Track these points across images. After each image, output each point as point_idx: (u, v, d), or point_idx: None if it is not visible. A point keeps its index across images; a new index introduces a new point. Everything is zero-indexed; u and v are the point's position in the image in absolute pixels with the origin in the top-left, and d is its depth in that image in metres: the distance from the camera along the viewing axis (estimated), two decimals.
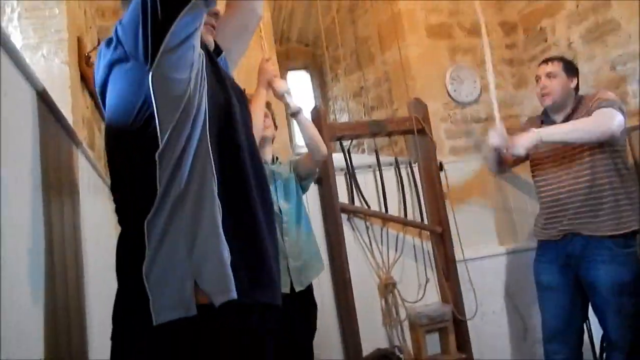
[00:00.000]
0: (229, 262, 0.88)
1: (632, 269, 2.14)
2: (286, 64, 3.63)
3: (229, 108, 1.00)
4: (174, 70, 0.90)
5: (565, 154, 2.26)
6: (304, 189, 2.17)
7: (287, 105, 1.97)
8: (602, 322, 2.25)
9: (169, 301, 0.85)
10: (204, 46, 1.02)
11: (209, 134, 0.93)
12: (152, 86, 0.89)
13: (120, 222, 0.95)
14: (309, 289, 2.09)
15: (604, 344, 2.33)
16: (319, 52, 3.42)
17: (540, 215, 2.35)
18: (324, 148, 2.03)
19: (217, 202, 0.90)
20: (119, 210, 0.95)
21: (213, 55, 1.10)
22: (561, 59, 2.37)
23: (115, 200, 0.96)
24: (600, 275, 2.15)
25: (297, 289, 2.00)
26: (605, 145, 2.16)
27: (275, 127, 2.16)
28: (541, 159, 2.36)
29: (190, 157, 0.90)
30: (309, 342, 2.09)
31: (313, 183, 2.51)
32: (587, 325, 2.47)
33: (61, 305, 0.94)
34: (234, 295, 0.87)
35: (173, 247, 0.87)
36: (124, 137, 0.93)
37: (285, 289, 1.94)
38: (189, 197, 0.89)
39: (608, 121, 2.09)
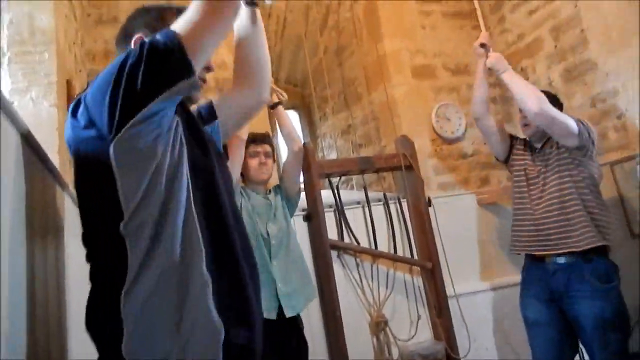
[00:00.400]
0: (221, 338, 0.84)
1: (615, 304, 2.12)
2: None
3: (212, 175, 0.97)
4: (139, 140, 0.85)
5: (537, 183, 2.30)
6: (292, 210, 2.20)
7: (273, 93, 2.04)
8: (590, 357, 2.22)
9: None
10: (184, 113, 0.98)
11: (194, 202, 0.89)
12: (115, 156, 0.84)
13: (93, 291, 0.89)
14: (300, 327, 2.06)
15: None
16: (307, 92, 3.49)
17: (520, 229, 2.36)
18: (300, 139, 2.24)
19: (206, 276, 0.86)
20: (93, 278, 0.89)
21: (197, 120, 1.05)
22: (545, 93, 2.45)
23: (90, 268, 0.91)
24: (582, 311, 2.14)
25: (289, 314, 1.97)
26: (573, 167, 2.21)
27: (274, 160, 2.21)
28: (519, 183, 2.40)
29: (172, 228, 0.85)
30: None
31: (302, 220, 2.53)
32: (580, 357, 2.44)
33: (42, 351, 0.92)
34: None
35: (153, 323, 0.82)
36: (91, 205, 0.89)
37: (272, 315, 1.92)
38: (175, 269, 0.84)
39: (552, 109, 2.16)
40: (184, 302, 0.83)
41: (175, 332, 0.82)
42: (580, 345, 2.32)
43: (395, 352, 2.48)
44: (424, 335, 2.56)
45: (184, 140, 0.92)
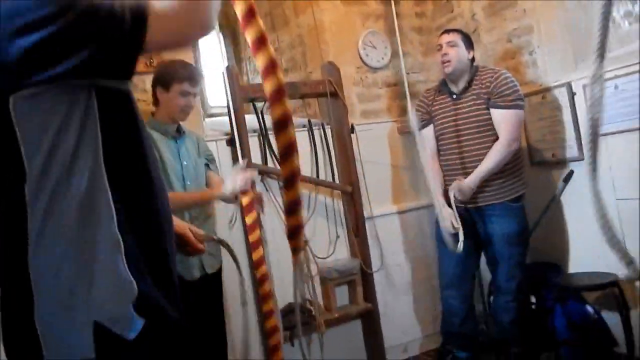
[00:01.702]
0: (132, 299, 0.82)
1: (521, 221, 2.43)
2: None
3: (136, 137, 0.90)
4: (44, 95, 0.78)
5: (459, 133, 2.47)
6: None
7: None
8: (493, 269, 2.53)
9: (63, 350, 0.79)
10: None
11: (107, 162, 0.83)
12: (15, 110, 0.77)
13: None
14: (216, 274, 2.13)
15: (492, 289, 2.62)
16: (231, 11, 3.34)
17: (447, 184, 2.56)
18: None
19: (118, 238, 0.83)
20: None
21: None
22: (460, 31, 2.57)
23: None
24: (494, 229, 2.42)
25: (210, 271, 2.06)
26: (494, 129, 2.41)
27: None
28: (440, 141, 2.56)
29: (77, 189, 0.80)
30: (219, 299, 2.14)
31: (225, 144, 2.53)
32: (478, 273, 2.75)
33: None
34: (139, 326, 0.82)
35: (66, 289, 0.79)
36: None
37: (196, 275, 2.00)
38: (81, 231, 0.80)
39: (514, 131, 2.36)
40: (94, 263, 0.81)
41: (86, 294, 0.80)
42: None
43: (314, 269, 2.63)
44: (341, 254, 2.74)
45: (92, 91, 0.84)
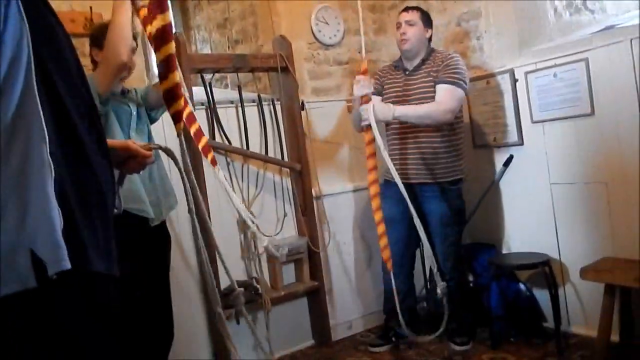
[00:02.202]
0: (60, 228, 0.80)
1: (457, 203, 2.52)
2: None
3: (58, 44, 0.87)
4: None
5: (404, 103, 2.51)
6: (153, 120, 2.10)
7: None
8: (432, 248, 2.61)
9: (1, 277, 0.76)
10: None
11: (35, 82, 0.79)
12: None
13: None
14: (163, 222, 2.07)
15: (431, 269, 2.71)
16: None
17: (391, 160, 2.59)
18: None
19: (49, 162, 0.79)
20: None
21: None
22: (419, 9, 2.58)
23: None
24: (431, 209, 2.49)
25: (154, 223, 1.97)
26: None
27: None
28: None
29: (6, 115, 0.75)
30: (165, 276, 2.08)
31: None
32: (420, 252, 2.83)
33: None
34: (66, 265, 0.80)
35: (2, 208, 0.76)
36: None
37: (157, 220, 1.95)
38: (13, 160, 0.76)
39: (450, 103, 2.38)
40: (26, 185, 0.78)
41: (21, 218, 0.77)
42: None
43: (261, 247, 2.61)
44: (288, 232, 2.73)
45: (24, 28, 0.78)
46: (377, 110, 2.31)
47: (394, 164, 2.49)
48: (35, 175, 0.79)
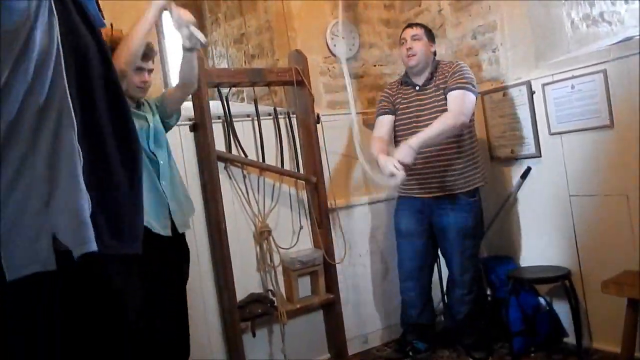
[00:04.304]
0: (89, 213, 0.83)
1: (475, 215, 2.49)
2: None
3: (86, 51, 0.90)
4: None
5: (419, 125, 2.50)
6: (168, 128, 2.14)
7: (189, 38, 1.83)
8: (448, 263, 2.58)
9: (22, 259, 0.79)
10: None
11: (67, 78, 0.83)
12: None
13: None
14: (182, 235, 2.09)
15: (449, 281, 2.69)
16: None
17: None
18: (196, 80, 2.10)
19: (77, 149, 0.83)
20: None
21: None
22: (423, 26, 2.61)
23: None
24: (449, 222, 2.46)
25: (182, 230, 2.05)
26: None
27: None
28: (401, 130, 2.58)
29: (38, 101, 0.79)
30: (183, 287, 2.10)
31: (189, 130, 2.45)
32: (437, 266, 2.81)
33: None
34: (93, 246, 0.83)
35: (24, 199, 0.79)
36: None
37: (167, 232, 1.96)
38: (42, 145, 0.80)
39: (462, 105, 2.36)
40: (54, 170, 0.81)
41: (45, 202, 0.80)
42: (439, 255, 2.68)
43: (277, 259, 2.62)
44: (304, 244, 2.73)
45: (54, 22, 0.83)
46: (402, 157, 2.27)
47: (409, 178, 2.49)
48: (65, 161, 0.82)
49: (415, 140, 2.30)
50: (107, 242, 0.89)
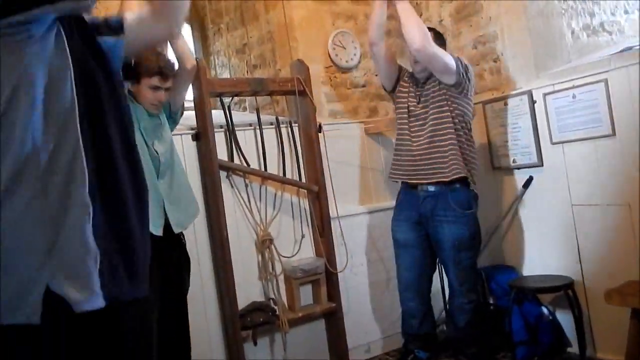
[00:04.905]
0: (94, 268, 0.81)
1: (471, 228, 2.45)
2: None
3: (98, 92, 0.89)
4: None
5: (418, 116, 2.49)
6: (172, 126, 2.15)
7: None
8: (446, 273, 2.58)
9: (9, 306, 0.76)
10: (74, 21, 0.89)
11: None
12: None
13: None
14: (183, 243, 2.09)
15: (449, 291, 2.67)
16: (200, 3, 3.27)
17: (398, 160, 2.57)
18: (193, 56, 2.15)
19: (88, 203, 0.81)
20: None
21: (92, 32, 0.95)
22: (432, 30, 2.59)
23: None
24: (444, 233, 2.44)
25: (177, 230, 2.01)
26: (450, 103, 2.41)
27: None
28: (401, 115, 2.58)
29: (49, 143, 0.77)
30: (182, 293, 2.09)
31: (191, 139, 2.47)
32: (439, 275, 2.80)
33: None
34: (97, 303, 0.80)
35: (23, 244, 0.76)
36: None
37: (158, 231, 1.91)
38: (51, 194, 0.77)
39: (436, 48, 2.32)
40: (59, 224, 0.78)
41: (45, 253, 0.77)
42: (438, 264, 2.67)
43: (278, 268, 2.61)
44: (306, 253, 2.72)
45: (67, 51, 0.83)
46: None
47: (404, 163, 2.48)
48: (73, 216, 0.80)
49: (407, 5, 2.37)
50: (125, 288, 0.87)
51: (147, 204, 0.99)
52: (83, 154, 0.82)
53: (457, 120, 2.43)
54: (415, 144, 2.49)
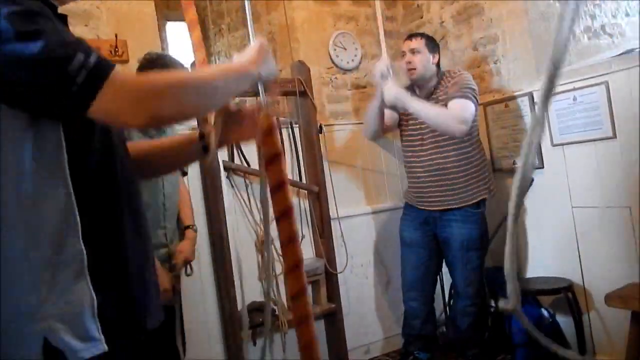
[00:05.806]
0: (94, 316, 0.78)
1: (480, 227, 2.47)
2: (166, 14, 3.42)
3: (107, 143, 0.88)
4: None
5: (424, 135, 2.50)
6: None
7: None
8: (452, 273, 2.57)
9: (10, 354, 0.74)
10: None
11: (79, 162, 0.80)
12: None
13: None
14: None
15: (452, 292, 2.67)
16: (202, 4, 3.28)
17: (410, 185, 2.61)
18: None
19: (82, 249, 0.78)
20: None
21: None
22: (423, 35, 2.59)
23: None
24: (453, 233, 2.45)
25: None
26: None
27: None
28: (407, 137, 2.59)
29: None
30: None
31: None
32: (440, 276, 2.80)
33: None
34: (97, 349, 0.77)
35: (21, 294, 0.74)
36: None
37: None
38: (42, 243, 0.75)
39: (462, 114, 2.33)
40: (52, 279, 0.76)
41: (39, 303, 0.76)
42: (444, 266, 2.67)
43: (278, 268, 2.61)
44: (306, 254, 2.72)
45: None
46: (394, 91, 2.38)
47: (413, 189, 2.49)
48: (66, 267, 0.77)
49: (412, 98, 2.41)
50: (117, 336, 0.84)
51: (151, 250, 0.99)
52: (75, 205, 0.79)
53: (466, 138, 2.44)
54: (419, 173, 2.53)
